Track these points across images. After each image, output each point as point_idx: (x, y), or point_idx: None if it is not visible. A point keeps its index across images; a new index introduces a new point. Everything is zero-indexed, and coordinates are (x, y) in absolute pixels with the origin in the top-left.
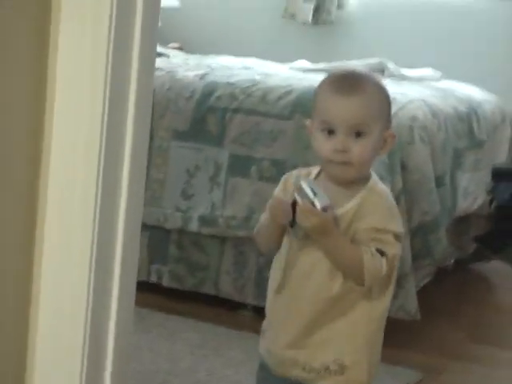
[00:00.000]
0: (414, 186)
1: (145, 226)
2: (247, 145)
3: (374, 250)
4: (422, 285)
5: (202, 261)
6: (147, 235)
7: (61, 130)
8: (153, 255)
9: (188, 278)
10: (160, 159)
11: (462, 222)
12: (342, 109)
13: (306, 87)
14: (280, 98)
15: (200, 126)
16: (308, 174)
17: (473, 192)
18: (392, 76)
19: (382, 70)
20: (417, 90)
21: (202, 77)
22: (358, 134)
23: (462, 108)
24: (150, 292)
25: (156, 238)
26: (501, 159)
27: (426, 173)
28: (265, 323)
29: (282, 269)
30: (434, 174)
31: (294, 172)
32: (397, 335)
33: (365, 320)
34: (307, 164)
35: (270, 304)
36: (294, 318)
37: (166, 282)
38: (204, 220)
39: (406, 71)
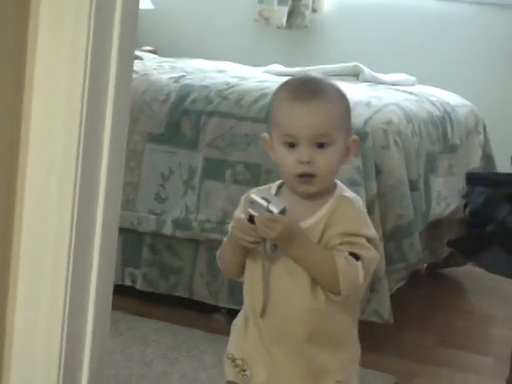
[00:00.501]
0: (388, 190)
1: (118, 230)
2: (222, 148)
3: (346, 253)
4: (395, 289)
5: (175, 264)
6: (121, 238)
7: (38, 135)
8: (127, 258)
9: (162, 282)
10: (134, 162)
11: (435, 227)
12: (304, 118)
13: None
14: (255, 101)
15: (175, 129)
16: (268, 190)
17: (446, 197)
18: (367, 80)
19: (356, 74)
20: (391, 94)
21: (177, 80)
22: (321, 145)
23: (437, 112)
24: (123, 295)
25: (130, 241)
26: (474, 165)
27: (400, 177)
28: (237, 354)
29: (262, 291)
30: (408, 178)
31: (253, 190)
32: (370, 339)
33: (348, 334)
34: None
35: (252, 333)
36: (286, 342)
37: (139, 285)
38: (178, 223)
39: (380, 75)
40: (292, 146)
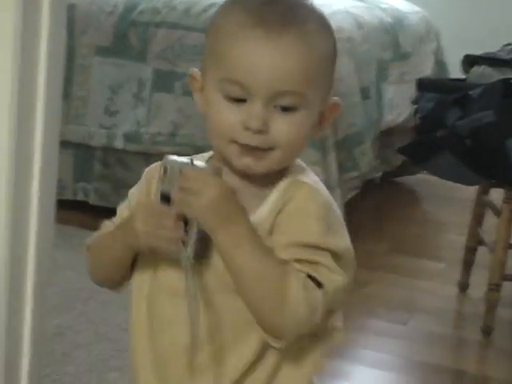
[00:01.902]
0: (339, 98)
1: (69, 144)
2: (171, 60)
3: (304, 274)
4: (348, 198)
5: (127, 178)
6: (72, 154)
7: None
8: (78, 173)
9: (114, 196)
10: (82, 76)
11: (387, 135)
12: (267, 60)
13: None
14: (204, 10)
15: (122, 41)
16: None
17: (398, 105)
18: None
19: None
20: (341, 1)
21: None
22: (286, 109)
23: (388, 19)
24: (76, 210)
25: (81, 156)
26: (427, 72)
27: (351, 85)
28: None
29: (190, 317)
30: (359, 86)
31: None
32: None
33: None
34: None
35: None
36: None
37: (92, 199)
38: (129, 137)
39: None
40: (238, 100)
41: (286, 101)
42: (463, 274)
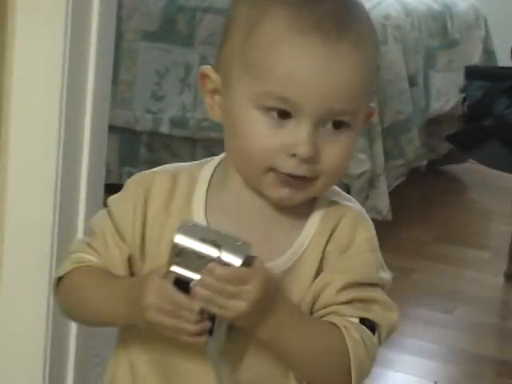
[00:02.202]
0: (386, 85)
1: (115, 129)
2: (217, 45)
3: (356, 321)
4: (394, 186)
5: (172, 163)
6: (118, 138)
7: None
8: (124, 158)
9: None
10: (128, 61)
11: (434, 123)
12: (324, 75)
13: None
14: None
15: (169, 26)
16: (190, 180)
17: (446, 93)
18: None
19: None
20: None
21: None
22: (339, 125)
23: (436, 6)
24: None
25: (126, 140)
26: (474, 61)
27: (398, 72)
28: None
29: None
30: (406, 73)
31: (145, 176)
32: None
33: None
34: None
35: None
36: None
37: None
38: (175, 122)
39: None
40: (283, 115)
41: (339, 120)
42: (510, 264)
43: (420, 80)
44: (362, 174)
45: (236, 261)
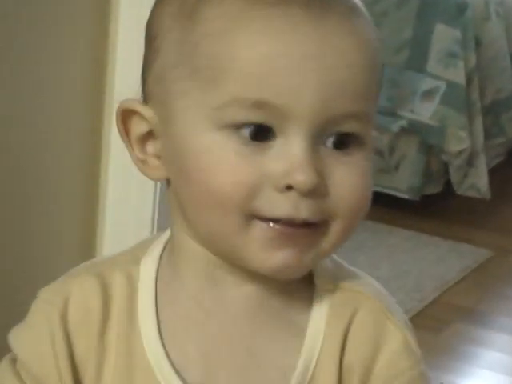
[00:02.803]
0: (488, 62)
1: None
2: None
3: None
4: (493, 164)
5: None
6: None
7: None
8: None
9: None
10: None
11: None
12: (316, 63)
13: None
14: None
15: None
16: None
17: None
18: None
19: None
20: None
21: None
22: (345, 140)
23: None
24: None
25: None
26: None
27: (500, 50)
28: None
29: None
30: (508, 50)
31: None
32: (466, 214)
33: None
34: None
35: None
36: None
37: None
38: None
39: None
40: (261, 134)
41: (345, 130)
42: None
43: None
44: (461, 151)
45: None
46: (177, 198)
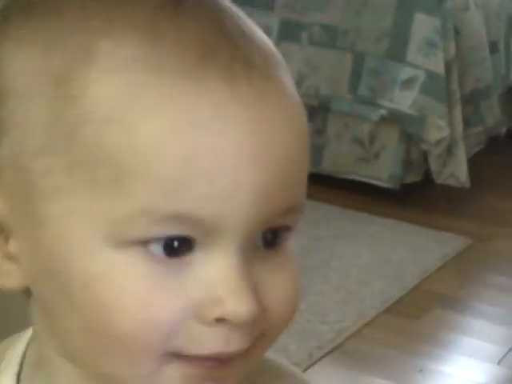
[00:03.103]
0: (467, 52)
1: None
2: (298, 10)
3: None
4: (473, 153)
5: None
6: None
7: None
8: None
9: None
10: None
11: None
12: (252, 144)
13: None
14: None
15: None
16: None
17: None
18: None
19: None
20: None
21: None
22: (274, 235)
23: None
24: None
25: None
26: None
27: (479, 39)
28: None
29: None
30: (487, 40)
31: None
32: (445, 202)
33: None
34: (359, 30)
35: None
36: None
37: None
38: None
39: None
40: (175, 250)
41: (279, 225)
42: None
43: (501, 47)
44: (440, 140)
45: None
46: (45, 314)
